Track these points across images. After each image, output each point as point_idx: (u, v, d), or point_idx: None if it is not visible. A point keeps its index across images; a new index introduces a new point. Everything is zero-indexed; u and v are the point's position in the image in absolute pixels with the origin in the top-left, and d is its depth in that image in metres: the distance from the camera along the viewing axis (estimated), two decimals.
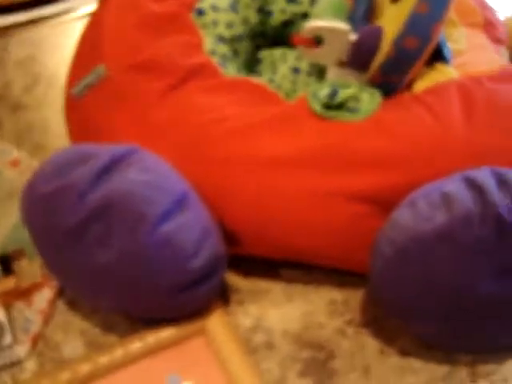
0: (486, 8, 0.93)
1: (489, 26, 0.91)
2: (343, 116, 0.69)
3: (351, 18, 0.80)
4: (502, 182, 0.59)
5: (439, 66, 0.77)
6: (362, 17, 0.79)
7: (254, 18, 0.89)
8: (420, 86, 0.75)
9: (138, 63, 0.74)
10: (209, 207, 0.65)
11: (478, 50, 0.84)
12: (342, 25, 0.74)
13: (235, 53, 0.85)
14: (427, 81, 0.76)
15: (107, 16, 0.80)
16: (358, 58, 0.75)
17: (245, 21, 0.87)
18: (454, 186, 0.60)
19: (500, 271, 0.58)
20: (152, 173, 0.61)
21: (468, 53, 0.82)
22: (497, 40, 0.91)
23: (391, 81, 0.75)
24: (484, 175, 0.60)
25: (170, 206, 0.60)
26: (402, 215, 0.61)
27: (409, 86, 0.76)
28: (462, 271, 0.58)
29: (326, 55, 0.76)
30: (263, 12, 0.93)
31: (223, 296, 0.72)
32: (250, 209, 0.66)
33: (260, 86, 0.74)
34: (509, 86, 0.74)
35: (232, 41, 0.83)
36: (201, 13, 0.80)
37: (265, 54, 0.95)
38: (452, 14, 0.89)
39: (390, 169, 0.66)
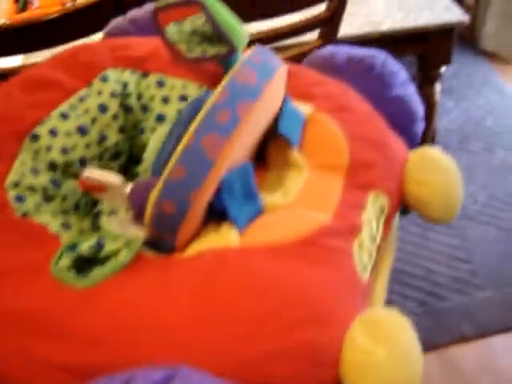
0: (359, 147, 0.82)
1: (355, 168, 0.81)
2: (72, 280, 0.66)
3: (153, 164, 0.77)
4: None
5: (224, 229, 0.71)
6: (162, 164, 0.75)
7: (113, 137, 0.89)
8: (194, 247, 0.70)
9: None
10: None
11: (303, 205, 0.75)
12: (114, 178, 0.71)
13: (74, 176, 0.85)
14: (203, 243, 0.70)
15: None
16: (132, 210, 0.72)
17: (99, 142, 0.88)
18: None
19: None
20: None
21: (285, 210, 0.74)
22: (361, 185, 0.80)
23: (164, 238, 0.71)
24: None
25: None
26: None
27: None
28: None
29: (112, 201, 0.74)
30: (135, 129, 0.92)
31: None
32: None
33: (39, 228, 0.74)
34: (279, 263, 0.66)
35: (68, 166, 0.84)
36: (35, 138, 0.82)
37: (140, 171, 0.95)
38: (301, 155, 0.81)
39: (92, 347, 0.62)
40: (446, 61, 1.60)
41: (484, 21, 2.24)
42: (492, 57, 2.30)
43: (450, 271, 1.68)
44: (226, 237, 0.69)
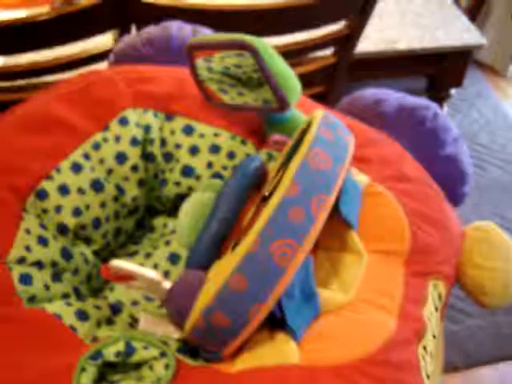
0: (419, 227, 0.72)
1: (416, 253, 0.70)
2: None
3: (192, 250, 0.65)
4: None
5: (280, 340, 0.59)
6: (204, 253, 0.63)
7: (132, 191, 0.76)
8: (246, 360, 0.59)
9: None
10: None
11: (365, 304, 0.64)
12: (149, 272, 0.59)
13: (85, 240, 0.72)
14: (257, 357, 0.59)
15: None
16: (170, 311, 0.60)
17: (115, 199, 0.74)
18: None
19: None
20: None
21: (347, 311, 0.63)
22: (422, 273, 0.70)
23: (207, 349, 0.59)
24: None
25: None
26: None
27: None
28: None
29: (143, 291, 0.62)
30: (155, 180, 0.79)
31: None
32: None
33: (53, 321, 0.61)
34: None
35: (80, 229, 0.70)
36: (41, 196, 0.68)
37: (158, 224, 0.82)
38: (360, 239, 0.70)
39: None
40: (459, 83, 1.51)
41: (482, 31, 2.16)
42: (486, 69, 2.23)
43: None
44: (283, 350, 0.58)
